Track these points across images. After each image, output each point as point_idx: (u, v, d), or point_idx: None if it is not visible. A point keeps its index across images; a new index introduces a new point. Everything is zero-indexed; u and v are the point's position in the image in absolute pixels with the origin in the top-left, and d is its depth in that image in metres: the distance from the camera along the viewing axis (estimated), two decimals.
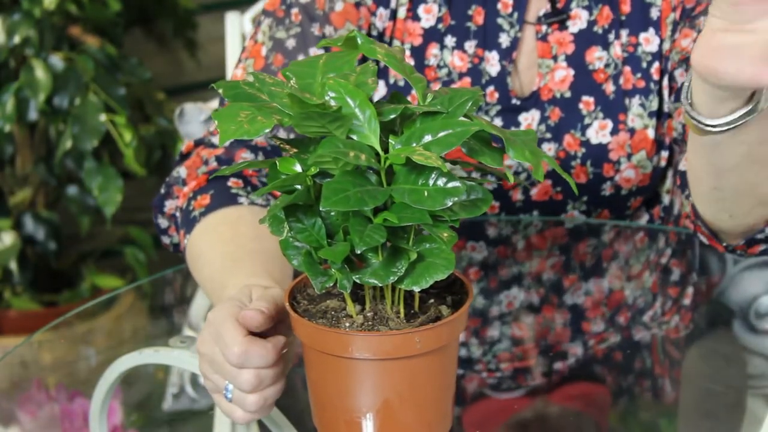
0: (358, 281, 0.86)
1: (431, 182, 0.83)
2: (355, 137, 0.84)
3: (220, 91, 0.88)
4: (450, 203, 0.82)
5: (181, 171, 1.28)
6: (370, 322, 0.88)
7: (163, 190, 1.29)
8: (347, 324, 0.88)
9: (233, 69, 1.37)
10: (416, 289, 0.85)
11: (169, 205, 1.28)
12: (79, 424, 1.15)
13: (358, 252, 0.84)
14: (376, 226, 0.84)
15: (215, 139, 1.30)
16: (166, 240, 1.30)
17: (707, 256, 1.37)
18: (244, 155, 1.27)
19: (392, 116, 0.85)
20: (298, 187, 0.88)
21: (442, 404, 0.91)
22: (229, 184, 1.23)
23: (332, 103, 0.85)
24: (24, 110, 2.34)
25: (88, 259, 2.66)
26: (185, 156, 1.31)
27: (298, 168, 0.88)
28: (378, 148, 0.84)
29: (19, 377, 1.27)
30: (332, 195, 0.82)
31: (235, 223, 1.18)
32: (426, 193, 0.83)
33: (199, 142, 1.31)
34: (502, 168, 0.88)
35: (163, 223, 1.29)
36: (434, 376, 0.89)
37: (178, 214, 1.25)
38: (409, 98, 1.35)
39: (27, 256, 2.52)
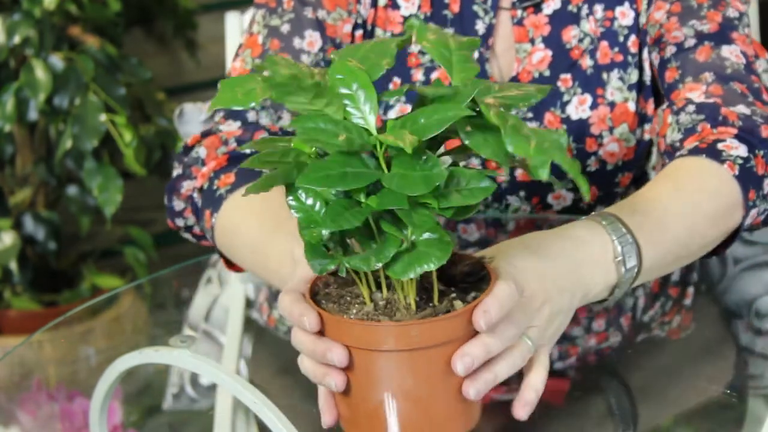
0: (348, 265, 0.85)
1: (418, 167, 0.82)
2: (356, 117, 0.83)
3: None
4: (429, 189, 0.80)
5: (201, 151, 1.28)
6: (379, 311, 0.87)
7: (180, 171, 1.29)
8: (354, 311, 0.87)
9: (231, 62, 1.37)
10: (403, 278, 0.83)
11: (186, 186, 1.28)
12: (79, 423, 1.15)
13: (326, 233, 0.83)
14: (358, 210, 0.83)
15: (223, 127, 1.30)
16: (179, 222, 1.30)
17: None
18: (263, 136, 1.28)
19: (394, 98, 0.84)
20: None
21: (452, 401, 0.89)
22: None
23: (342, 89, 0.83)
24: (24, 110, 2.34)
25: (88, 259, 2.66)
26: (189, 149, 1.31)
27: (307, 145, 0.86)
28: (372, 129, 0.83)
29: (19, 377, 1.27)
30: (312, 173, 0.81)
31: (266, 197, 1.17)
32: (411, 179, 0.81)
33: (206, 134, 1.31)
34: (493, 165, 0.87)
35: (178, 205, 1.29)
36: (439, 371, 0.87)
37: (195, 195, 1.25)
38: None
39: (27, 256, 2.52)
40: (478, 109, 0.84)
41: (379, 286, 0.89)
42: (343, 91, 0.84)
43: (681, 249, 1.08)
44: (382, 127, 0.84)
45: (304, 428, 0.95)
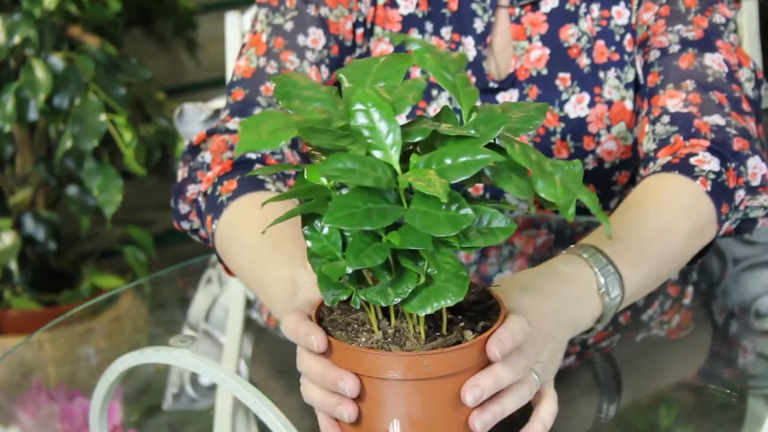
0: (364, 298, 0.84)
1: (443, 207, 0.80)
2: (377, 153, 0.81)
3: (273, 85, 0.85)
4: (456, 232, 0.79)
5: (206, 156, 1.28)
6: (389, 339, 0.86)
7: (185, 175, 1.29)
8: (363, 339, 0.86)
9: (235, 61, 1.38)
10: (420, 313, 0.83)
11: (192, 190, 1.28)
12: (79, 423, 1.15)
13: (350, 270, 0.82)
14: (380, 246, 0.82)
15: (230, 125, 1.30)
16: (184, 225, 1.31)
17: (707, 256, 1.38)
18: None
19: (418, 138, 0.81)
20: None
21: (458, 430, 0.88)
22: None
23: (360, 119, 0.82)
24: (24, 110, 2.34)
25: (88, 259, 2.66)
26: (195, 147, 1.31)
27: (325, 179, 0.85)
28: (396, 166, 0.81)
29: (19, 377, 1.27)
30: (338, 210, 0.80)
31: (267, 209, 1.17)
32: (436, 219, 0.80)
33: (212, 132, 1.31)
34: (517, 208, 0.86)
35: (183, 208, 1.29)
36: (448, 400, 0.87)
37: (200, 199, 1.25)
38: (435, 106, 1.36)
39: (27, 256, 2.52)
40: (500, 144, 0.82)
41: (386, 313, 0.88)
42: (362, 121, 0.82)
43: (659, 270, 1.10)
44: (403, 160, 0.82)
45: (304, 428, 0.95)
